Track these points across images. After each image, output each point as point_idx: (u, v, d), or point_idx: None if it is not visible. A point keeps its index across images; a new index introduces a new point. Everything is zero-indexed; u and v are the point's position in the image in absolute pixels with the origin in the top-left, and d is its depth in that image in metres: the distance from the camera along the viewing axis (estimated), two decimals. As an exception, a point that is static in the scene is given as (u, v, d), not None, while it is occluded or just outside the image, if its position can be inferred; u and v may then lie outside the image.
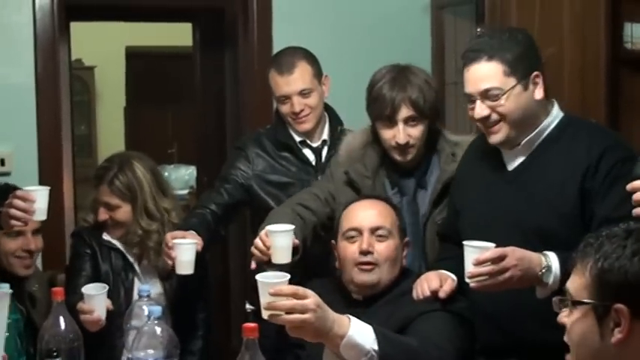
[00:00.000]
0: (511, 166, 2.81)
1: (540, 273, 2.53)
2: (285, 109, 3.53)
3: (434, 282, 2.79)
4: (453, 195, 3.06)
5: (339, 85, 3.73)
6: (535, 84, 2.73)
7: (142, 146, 4.02)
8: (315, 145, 3.60)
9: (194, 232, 3.28)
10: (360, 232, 2.91)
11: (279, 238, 2.93)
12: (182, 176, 8.96)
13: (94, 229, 3.59)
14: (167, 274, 3.52)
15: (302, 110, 3.50)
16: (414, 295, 2.79)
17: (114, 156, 3.71)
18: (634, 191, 2.19)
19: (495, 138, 2.77)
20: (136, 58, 10.25)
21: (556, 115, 2.79)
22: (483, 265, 2.50)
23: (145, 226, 3.51)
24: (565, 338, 1.86)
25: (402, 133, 3.11)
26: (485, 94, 2.71)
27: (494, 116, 2.72)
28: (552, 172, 2.71)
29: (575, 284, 1.84)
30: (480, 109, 2.73)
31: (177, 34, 7.99)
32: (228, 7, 5.28)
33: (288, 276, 2.36)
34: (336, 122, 3.64)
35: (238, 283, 5.33)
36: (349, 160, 3.27)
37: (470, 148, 3.06)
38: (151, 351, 2.54)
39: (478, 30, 4.62)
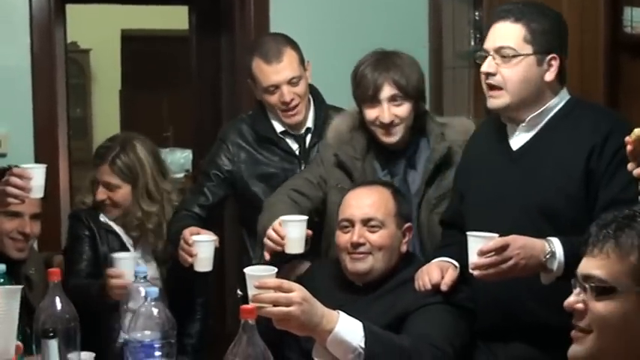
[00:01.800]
0: (516, 146, 2.80)
1: (544, 259, 2.52)
2: (273, 99, 3.45)
3: (435, 274, 2.77)
4: (457, 180, 3.05)
5: (335, 68, 3.70)
6: (549, 65, 2.71)
7: (138, 129, 3.99)
8: (298, 133, 3.55)
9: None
10: (352, 223, 2.91)
11: (293, 229, 2.96)
12: (178, 160, 8.92)
13: (91, 211, 3.59)
14: (164, 259, 3.52)
15: (292, 100, 3.44)
16: (416, 286, 2.78)
17: (116, 136, 3.72)
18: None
19: (493, 102, 2.76)
20: (131, 41, 10.22)
21: (563, 96, 2.78)
22: (487, 255, 2.50)
23: (145, 207, 3.52)
24: (583, 323, 1.81)
25: (387, 112, 3.13)
26: (499, 51, 2.71)
27: (498, 77, 2.72)
28: (557, 151, 2.70)
29: (612, 270, 1.77)
30: (488, 65, 2.73)
31: (174, 17, 7.96)
32: (225, -10, 5.25)
33: (275, 269, 2.42)
34: (320, 104, 3.59)
35: (233, 268, 5.32)
36: (338, 142, 3.27)
37: (475, 133, 3.06)
38: (147, 332, 2.53)
39: (476, 14, 4.61)
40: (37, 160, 4.28)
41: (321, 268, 3.09)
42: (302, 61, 3.50)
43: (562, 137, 2.71)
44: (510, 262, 2.49)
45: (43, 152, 4.40)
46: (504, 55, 2.70)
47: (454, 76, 4.75)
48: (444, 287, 2.75)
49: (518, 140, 2.79)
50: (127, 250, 3.52)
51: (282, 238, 2.96)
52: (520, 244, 2.50)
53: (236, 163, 3.52)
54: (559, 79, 2.76)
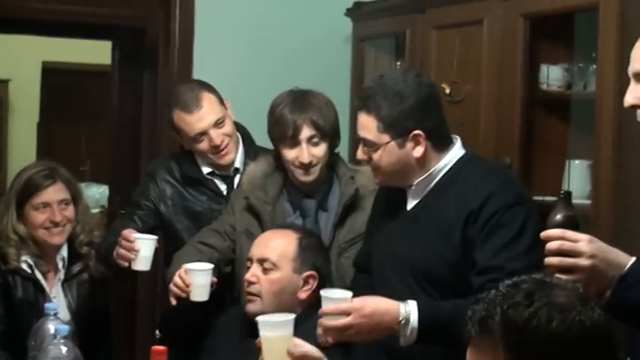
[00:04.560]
0: (409, 206, 2.79)
1: (397, 326, 2.50)
2: (203, 146, 3.44)
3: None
4: (367, 227, 3.06)
5: (257, 109, 3.68)
6: (415, 142, 2.67)
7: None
8: (226, 174, 3.54)
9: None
10: (252, 261, 2.96)
11: (198, 277, 3.01)
12: (94, 194, 8.80)
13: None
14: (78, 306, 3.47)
15: (222, 141, 3.43)
16: (319, 341, 2.69)
17: (36, 163, 3.71)
18: (547, 240, 2.15)
19: (375, 181, 2.84)
20: (52, 73, 10.09)
21: (454, 155, 2.74)
22: (333, 317, 2.50)
23: (89, 220, 3.51)
24: None
25: (306, 152, 3.16)
26: (364, 142, 2.73)
27: (372, 164, 2.74)
28: (442, 215, 2.67)
29: None
30: (360, 152, 2.76)
31: (96, 52, 7.89)
32: (149, 27, 5.23)
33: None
34: (249, 144, 3.60)
35: (146, 307, 5.27)
36: (250, 187, 3.29)
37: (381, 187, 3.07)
38: (55, 370, 2.49)
39: (398, 64, 4.67)
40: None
41: (229, 311, 3.09)
42: (221, 101, 3.50)
43: (447, 201, 2.68)
44: (352, 330, 2.49)
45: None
46: (367, 145, 2.72)
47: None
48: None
49: (410, 202, 2.78)
50: (44, 294, 3.42)
51: (187, 285, 3.01)
52: (368, 311, 2.49)
53: (163, 199, 3.51)
54: (437, 147, 2.71)
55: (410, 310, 2.51)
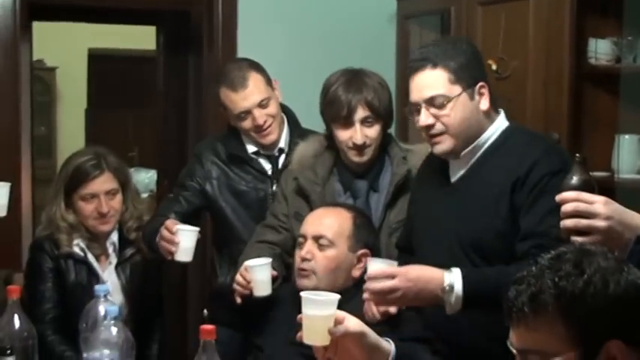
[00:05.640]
0: (454, 178, 2.79)
1: (442, 293, 2.51)
2: (246, 124, 3.47)
3: None
4: (409, 208, 3.06)
5: (301, 90, 3.72)
6: (481, 94, 2.70)
7: (103, 148, 3.98)
8: (270, 154, 3.56)
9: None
10: (305, 238, 2.97)
11: (258, 272, 3.05)
12: (142, 180, 8.87)
13: (55, 240, 3.47)
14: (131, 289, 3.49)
15: (265, 122, 3.45)
16: (367, 318, 2.74)
17: (84, 150, 3.74)
18: (562, 203, 2.10)
19: (439, 148, 2.74)
20: (98, 60, 10.17)
21: (499, 125, 2.76)
22: (376, 280, 2.51)
23: (138, 205, 3.54)
24: None
25: (359, 134, 3.14)
26: (431, 102, 2.69)
27: (439, 126, 2.70)
28: (489, 184, 2.68)
29: (542, 340, 1.67)
30: (425, 117, 2.70)
31: (141, 37, 7.94)
32: (193, 11, 5.25)
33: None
34: (294, 126, 3.62)
35: (196, 290, 5.30)
36: (300, 167, 3.30)
37: (424, 161, 3.05)
38: (106, 351, 2.51)
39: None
40: (-1, 179, 4.25)
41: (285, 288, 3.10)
42: (269, 82, 3.51)
43: (493, 171, 2.69)
44: (397, 293, 2.50)
45: (5, 170, 4.35)
46: (437, 104, 2.68)
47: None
48: (392, 310, 2.74)
49: (456, 173, 2.79)
50: (97, 278, 3.45)
51: (249, 282, 3.05)
52: (413, 276, 2.51)
53: (208, 178, 3.54)
54: (492, 103, 2.74)
55: (454, 277, 2.52)
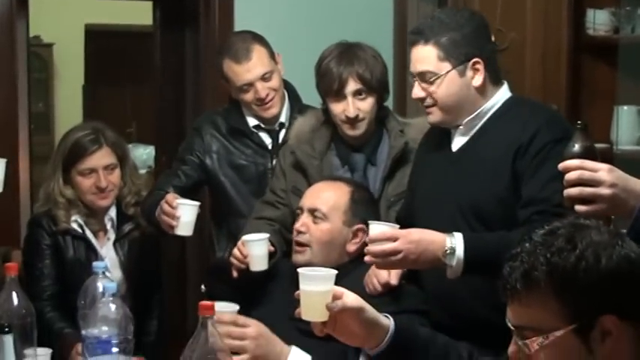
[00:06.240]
0: (455, 148, 2.80)
1: (442, 255, 2.51)
2: (248, 97, 3.47)
3: (382, 274, 2.78)
4: (410, 178, 3.06)
5: (297, 63, 3.69)
6: (475, 70, 2.69)
7: (101, 124, 3.97)
8: (271, 128, 3.56)
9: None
10: (302, 210, 2.98)
11: (254, 247, 3.05)
12: (141, 155, 8.85)
13: (52, 217, 3.47)
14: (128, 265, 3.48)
15: (267, 95, 3.45)
16: (367, 291, 2.77)
17: (82, 125, 3.71)
18: (565, 171, 2.10)
19: (431, 118, 2.78)
20: (95, 35, 10.12)
21: (501, 97, 2.76)
22: (377, 243, 2.52)
23: (136, 180, 3.52)
24: None
25: (352, 107, 3.14)
26: (422, 77, 2.71)
27: (429, 99, 2.72)
28: (490, 152, 2.69)
29: (537, 316, 1.66)
30: (417, 90, 2.74)
31: (138, 12, 7.90)
32: (189, -15, 5.23)
33: (237, 307, 2.55)
34: (295, 101, 3.61)
35: (195, 266, 5.31)
36: (297, 141, 3.29)
37: (427, 132, 3.04)
38: (105, 328, 2.50)
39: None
40: (-4, 154, 4.24)
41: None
42: (272, 55, 3.51)
43: (495, 139, 2.70)
44: (399, 255, 2.50)
45: (3, 147, 4.34)
46: (426, 79, 2.69)
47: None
48: (393, 281, 2.75)
49: (457, 142, 2.79)
50: (96, 254, 3.45)
51: (245, 257, 3.04)
52: (414, 238, 2.51)
53: (208, 152, 3.55)
54: (492, 79, 2.73)
55: (456, 241, 2.52)
